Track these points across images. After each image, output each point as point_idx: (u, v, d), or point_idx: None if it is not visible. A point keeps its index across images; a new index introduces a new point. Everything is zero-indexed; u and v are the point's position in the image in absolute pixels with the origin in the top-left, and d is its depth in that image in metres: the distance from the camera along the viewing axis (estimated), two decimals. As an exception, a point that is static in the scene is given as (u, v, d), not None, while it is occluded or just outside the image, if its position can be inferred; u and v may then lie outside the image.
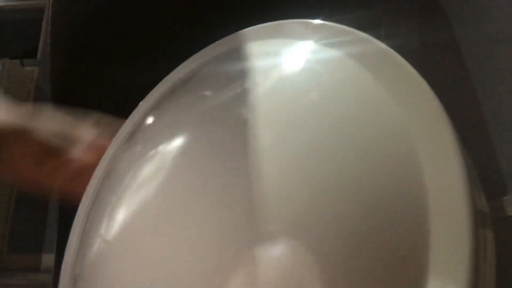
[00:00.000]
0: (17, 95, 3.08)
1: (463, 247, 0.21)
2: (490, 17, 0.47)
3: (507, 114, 0.43)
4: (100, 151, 0.41)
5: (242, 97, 0.33)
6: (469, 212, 0.21)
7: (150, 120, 0.41)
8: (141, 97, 0.50)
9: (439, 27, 0.53)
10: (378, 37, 0.30)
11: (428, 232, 0.22)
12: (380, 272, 0.22)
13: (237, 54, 0.37)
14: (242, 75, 0.34)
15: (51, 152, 0.42)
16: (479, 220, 0.22)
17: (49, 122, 0.44)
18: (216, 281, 0.27)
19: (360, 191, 0.25)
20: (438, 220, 0.22)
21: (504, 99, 0.44)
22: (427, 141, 0.24)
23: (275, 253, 0.25)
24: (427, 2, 0.53)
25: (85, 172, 0.41)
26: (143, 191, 0.34)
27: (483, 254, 0.22)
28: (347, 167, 0.26)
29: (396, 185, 0.24)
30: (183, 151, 0.34)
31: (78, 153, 0.43)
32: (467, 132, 0.28)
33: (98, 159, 0.40)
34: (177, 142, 0.36)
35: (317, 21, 0.33)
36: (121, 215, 0.35)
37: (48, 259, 2.88)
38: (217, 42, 0.39)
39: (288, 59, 0.34)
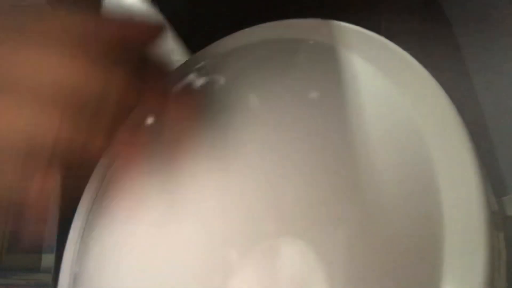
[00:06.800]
0: (17, 95, 3.07)
1: (479, 252, 0.20)
2: (490, 17, 0.47)
3: (507, 114, 0.43)
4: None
5: (246, 96, 0.33)
6: (484, 215, 0.21)
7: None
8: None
9: (439, 27, 0.52)
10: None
11: (442, 237, 0.21)
12: (392, 279, 0.22)
13: (239, 53, 0.37)
14: (244, 74, 0.34)
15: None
16: (493, 222, 0.21)
17: None
18: (219, 280, 0.27)
19: (373, 194, 0.24)
20: (452, 224, 0.21)
21: (504, 99, 0.44)
22: (440, 140, 0.24)
23: (279, 253, 0.25)
24: (427, 2, 0.53)
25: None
26: (145, 189, 0.34)
27: (497, 257, 0.22)
28: (359, 171, 0.25)
29: (408, 187, 0.24)
30: (185, 149, 0.34)
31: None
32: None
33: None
34: (178, 140, 0.36)
35: (318, 20, 0.33)
36: (121, 214, 0.35)
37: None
38: (218, 41, 0.39)
39: (291, 58, 0.34)
